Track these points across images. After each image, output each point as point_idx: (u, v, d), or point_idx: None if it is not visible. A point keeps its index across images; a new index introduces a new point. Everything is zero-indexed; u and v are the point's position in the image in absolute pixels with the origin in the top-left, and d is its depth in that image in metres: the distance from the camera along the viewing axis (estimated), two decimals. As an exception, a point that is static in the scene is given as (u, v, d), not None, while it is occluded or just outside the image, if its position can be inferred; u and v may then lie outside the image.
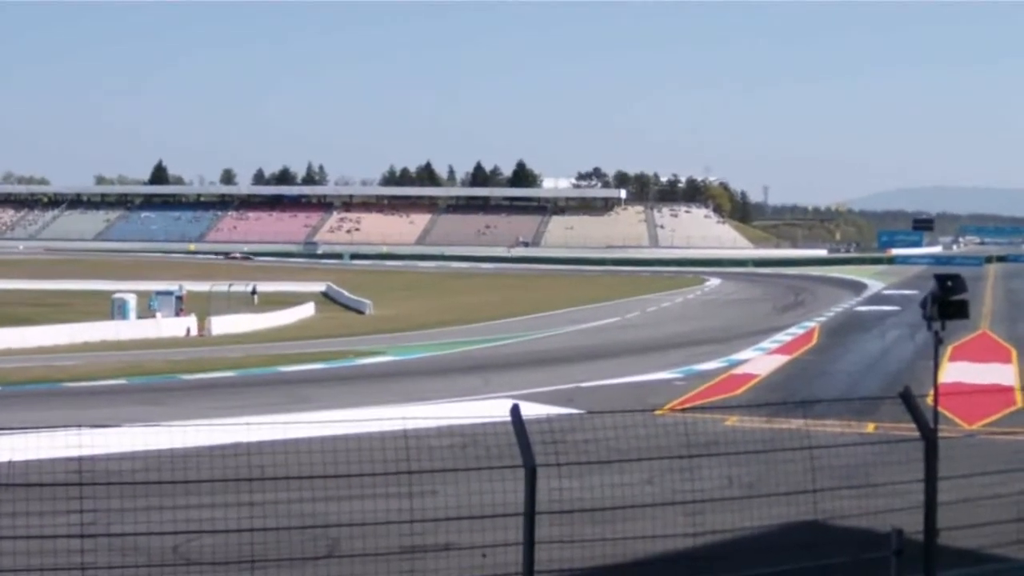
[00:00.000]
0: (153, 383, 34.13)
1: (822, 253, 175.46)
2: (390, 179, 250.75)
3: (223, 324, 58.98)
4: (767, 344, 42.74)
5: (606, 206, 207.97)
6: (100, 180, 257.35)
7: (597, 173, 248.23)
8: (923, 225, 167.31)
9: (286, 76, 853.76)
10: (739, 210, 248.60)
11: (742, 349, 40.48)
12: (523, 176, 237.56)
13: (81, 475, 9.81)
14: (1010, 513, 12.04)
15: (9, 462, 11.42)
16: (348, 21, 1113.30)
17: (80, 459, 10.15)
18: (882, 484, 12.74)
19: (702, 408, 24.57)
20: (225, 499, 11.22)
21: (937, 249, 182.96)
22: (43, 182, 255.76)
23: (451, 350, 44.75)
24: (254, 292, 77.85)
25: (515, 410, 9.32)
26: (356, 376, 35.88)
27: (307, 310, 73.00)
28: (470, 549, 10.64)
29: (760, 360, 36.96)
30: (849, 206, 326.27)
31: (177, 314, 62.64)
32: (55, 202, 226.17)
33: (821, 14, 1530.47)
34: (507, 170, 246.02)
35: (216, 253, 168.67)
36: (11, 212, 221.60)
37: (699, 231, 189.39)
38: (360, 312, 75.16)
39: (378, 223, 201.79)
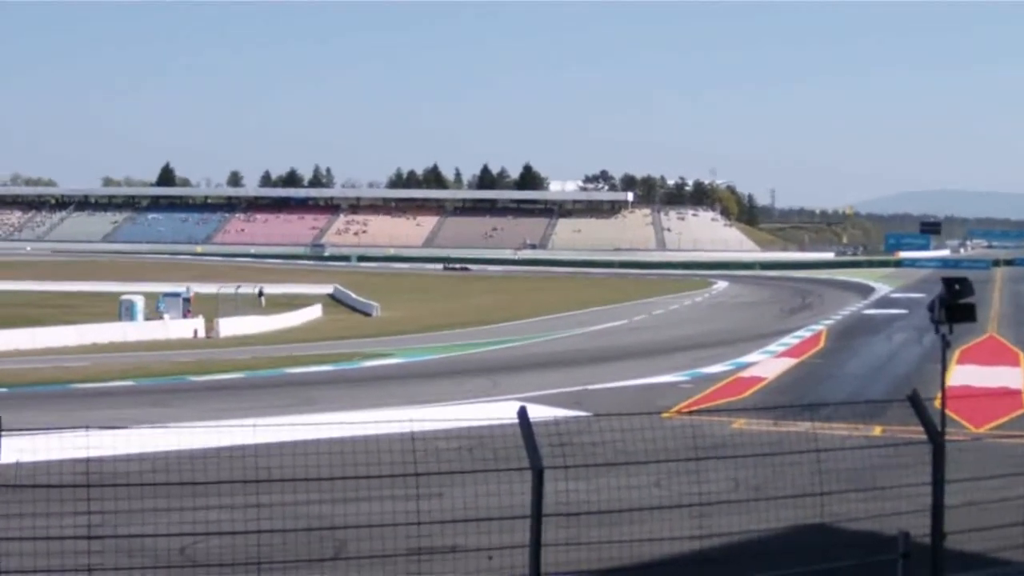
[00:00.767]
0: (161, 385, 34.16)
1: (829, 256, 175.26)
2: (397, 181, 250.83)
3: (231, 326, 59.04)
4: (774, 347, 42.69)
5: (613, 209, 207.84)
6: (107, 182, 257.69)
7: (604, 176, 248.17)
8: (930, 228, 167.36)
9: (293, 78, 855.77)
10: (746, 213, 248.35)
11: (749, 352, 40.44)
12: (530, 179, 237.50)
13: (89, 476, 9.83)
14: (1017, 516, 12.00)
15: (17, 463, 11.42)
16: (355, 24, 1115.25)
17: (88, 460, 10.17)
18: (889, 487, 12.72)
19: (709, 411, 24.53)
20: (232, 501, 11.22)
21: (944, 252, 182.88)
22: (50, 184, 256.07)
23: (458, 352, 44.74)
24: (261, 294, 77.96)
25: (522, 412, 9.32)
26: (363, 378, 35.87)
27: (314, 312, 73.08)
28: (476, 551, 10.65)
29: (767, 363, 36.92)
30: (856, 209, 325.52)
31: (185, 316, 62.73)
32: (62, 204, 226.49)
33: (829, 17, 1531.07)
34: (514, 173, 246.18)
35: (439, 260, 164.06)
36: (19, 214, 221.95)
37: (706, 234, 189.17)
38: (367, 314, 75.19)
39: (385, 225, 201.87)
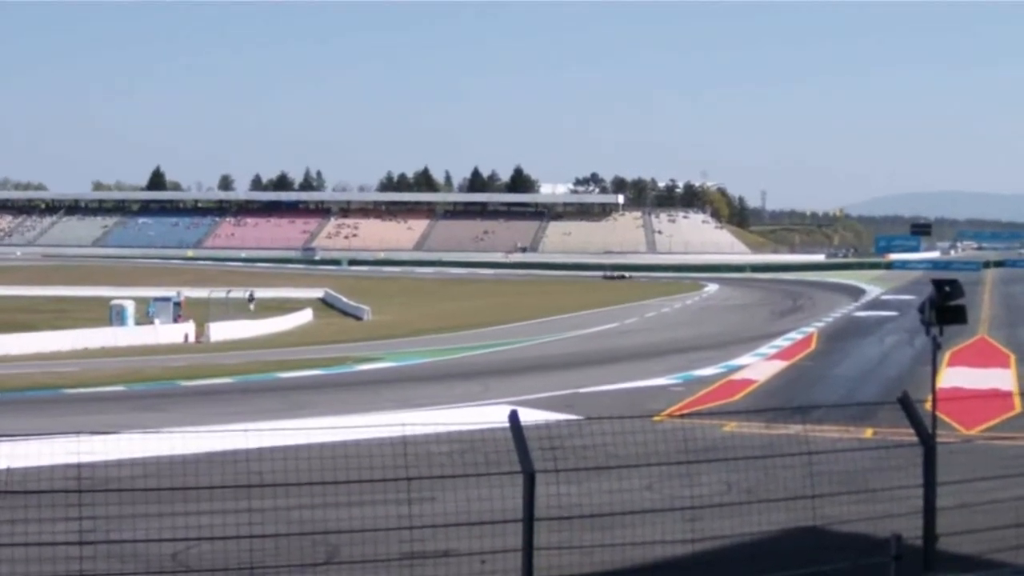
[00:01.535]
0: (152, 389, 34.12)
1: (820, 258, 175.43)
2: (388, 185, 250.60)
3: (221, 330, 58.99)
4: (765, 349, 42.73)
5: (604, 212, 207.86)
6: (98, 186, 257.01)
7: (595, 178, 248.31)
8: (921, 230, 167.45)
9: (284, 82, 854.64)
10: (737, 215, 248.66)
11: (740, 355, 40.48)
12: (521, 181, 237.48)
13: (80, 482, 9.81)
14: (1009, 518, 12.04)
15: (8, 469, 11.42)
16: (346, 26, 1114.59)
17: (79, 466, 10.16)
18: (881, 489, 12.75)
19: (700, 414, 24.54)
20: (224, 506, 11.22)
21: (935, 254, 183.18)
22: (40, 188, 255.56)
23: (449, 356, 44.74)
24: (251, 298, 77.90)
25: (513, 416, 9.33)
26: (354, 382, 35.85)
27: (305, 316, 73.04)
28: (469, 555, 10.65)
29: (758, 365, 36.96)
30: (847, 211, 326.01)
31: (175, 320, 62.68)
32: (53, 208, 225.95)
33: (820, 19, 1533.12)
34: (505, 175, 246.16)
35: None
36: (8, 218, 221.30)
37: (697, 236, 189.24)
38: (358, 318, 75.20)
39: (376, 229, 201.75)
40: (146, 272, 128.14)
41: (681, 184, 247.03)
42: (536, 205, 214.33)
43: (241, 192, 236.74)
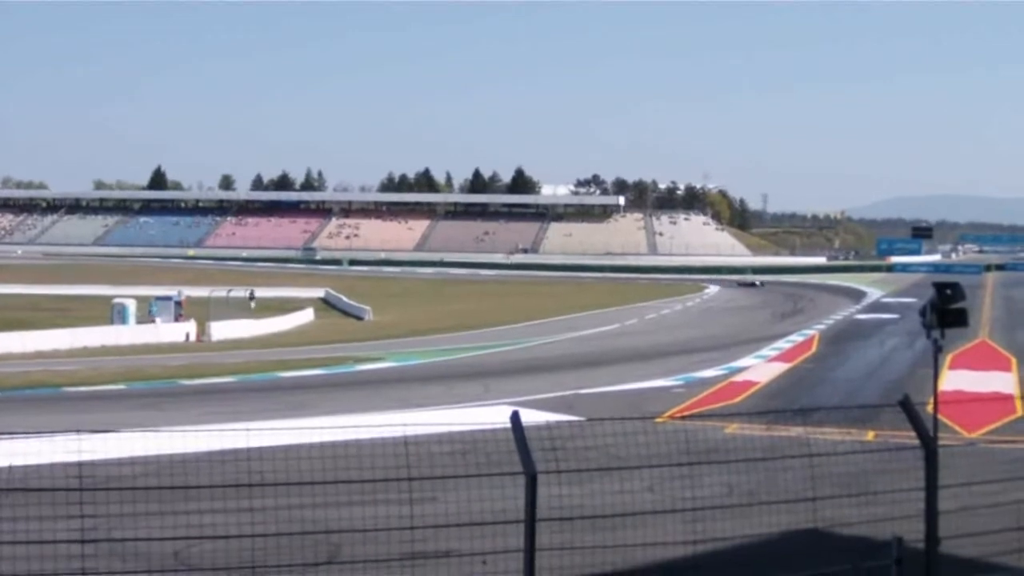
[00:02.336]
0: (153, 388, 34.14)
1: (821, 261, 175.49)
2: (389, 185, 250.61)
3: (222, 329, 59.00)
4: (767, 352, 42.75)
5: (605, 213, 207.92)
6: (99, 185, 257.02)
7: (596, 180, 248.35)
8: (922, 233, 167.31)
9: (285, 82, 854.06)
10: (738, 218, 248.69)
11: (742, 357, 40.49)
12: (522, 183, 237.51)
13: (81, 480, 9.80)
14: (1010, 521, 12.02)
15: (9, 467, 11.42)
16: (347, 27, 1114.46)
17: (80, 464, 10.15)
18: (882, 492, 12.73)
19: (702, 416, 24.55)
20: (225, 505, 11.21)
21: (936, 257, 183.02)
22: (42, 187, 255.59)
23: (450, 356, 44.75)
24: (252, 297, 77.81)
25: (515, 417, 9.32)
26: (356, 382, 35.87)
27: (306, 316, 73.02)
28: (470, 556, 10.64)
29: (760, 368, 36.97)
30: (848, 214, 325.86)
31: (176, 319, 62.68)
32: (54, 207, 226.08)
33: (822, 22, 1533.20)
34: (506, 177, 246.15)
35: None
36: (10, 217, 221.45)
37: (698, 238, 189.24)
38: (359, 318, 75.18)
39: (377, 229, 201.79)
40: (147, 271, 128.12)
41: (682, 186, 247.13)
42: (537, 206, 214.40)
43: (242, 192, 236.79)
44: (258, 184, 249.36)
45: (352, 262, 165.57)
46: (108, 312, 61.98)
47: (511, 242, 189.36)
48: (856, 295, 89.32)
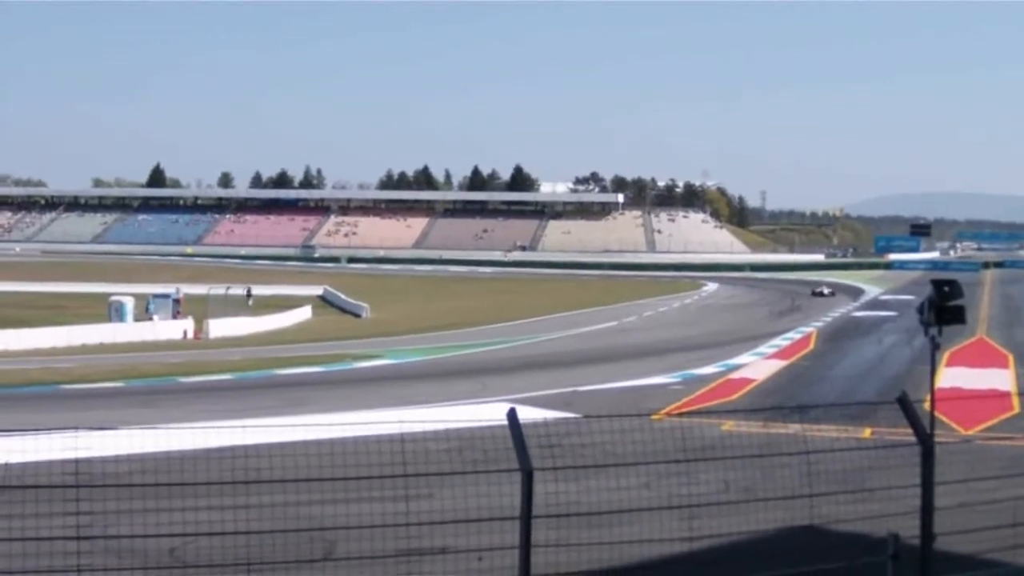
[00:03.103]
0: (150, 386, 34.12)
1: (819, 258, 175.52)
2: (387, 183, 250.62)
3: (220, 327, 58.95)
4: (764, 349, 42.77)
5: (604, 211, 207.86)
6: (97, 183, 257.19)
7: (595, 177, 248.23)
8: (920, 230, 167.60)
9: (284, 80, 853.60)
10: (736, 215, 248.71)
11: (739, 354, 40.50)
12: (520, 180, 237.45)
13: (78, 477, 9.82)
14: (1006, 518, 12.04)
15: (6, 464, 11.41)
16: (346, 25, 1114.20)
17: (77, 461, 10.16)
18: (879, 489, 12.74)
19: (699, 412, 24.55)
20: (222, 502, 11.21)
21: (934, 254, 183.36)
22: (40, 184, 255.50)
23: (448, 354, 44.75)
24: (249, 294, 77.77)
25: (512, 414, 9.32)
26: (353, 379, 35.87)
27: (304, 313, 72.99)
28: (466, 552, 10.65)
29: (757, 365, 36.99)
30: (846, 211, 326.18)
31: (174, 317, 62.64)
32: (52, 205, 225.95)
33: (821, 20, 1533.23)
34: (505, 174, 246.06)
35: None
36: (8, 214, 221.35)
37: (696, 236, 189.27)
38: (357, 315, 75.13)
39: (375, 227, 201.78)
40: (145, 269, 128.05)
41: (681, 184, 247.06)
42: (536, 204, 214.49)
43: (241, 190, 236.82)
44: (257, 182, 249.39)
45: (351, 260, 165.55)
46: (106, 310, 61.89)
47: (510, 240, 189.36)
48: (854, 292, 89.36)
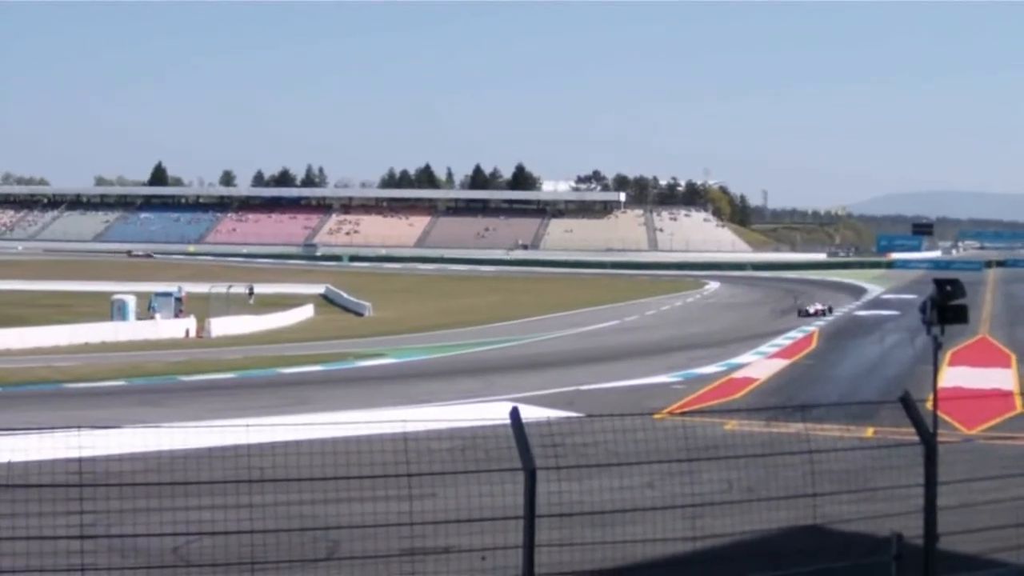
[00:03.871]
0: (153, 384, 34.13)
1: (821, 257, 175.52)
2: (389, 181, 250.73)
3: (222, 325, 58.99)
4: (766, 348, 42.75)
5: (605, 209, 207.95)
6: (100, 181, 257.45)
7: (596, 176, 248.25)
8: (922, 229, 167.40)
9: (286, 78, 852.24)
10: (738, 214, 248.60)
11: (741, 353, 40.49)
12: (522, 179, 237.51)
13: (81, 476, 9.80)
14: (1009, 518, 12.02)
15: (9, 463, 11.43)
16: (348, 24, 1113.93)
17: (80, 460, 10.15)
18: (882, 488, 12.73)
19: (702, 412, 24.54)
20: (225, 501, 11.20)
21: (936, 254, 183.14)
22: (42, 183, 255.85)
23: (450, 352, 44.75)
24: (251, 293, 77.79)
25: (514, 413, 9.31)
26: (356, 378, 35.87)
27: (306, 312, 73.04)
28: (470, 552, 10.65)
29: (760, 364, 36.97)
30: (848, 210, 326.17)
31: (176, 315, 62.69)
32: (54, 203, 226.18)
33: (822, 20, 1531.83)
34: (506, 173, 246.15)
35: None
36: (11, 213, 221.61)
37: (698, 235, 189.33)
38: (359, 314, 75.19)
39: (377, 225, 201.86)
40: (147, 267, 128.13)
41: (683, 182, 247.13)
42: (538, 202, 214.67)
43: (243, 188, 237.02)
44: (259, 180, 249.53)
45: (353, 258, 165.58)
46: (108, 308, 61.96)
47: (511, 238, 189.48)
48: (856, 291, 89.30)
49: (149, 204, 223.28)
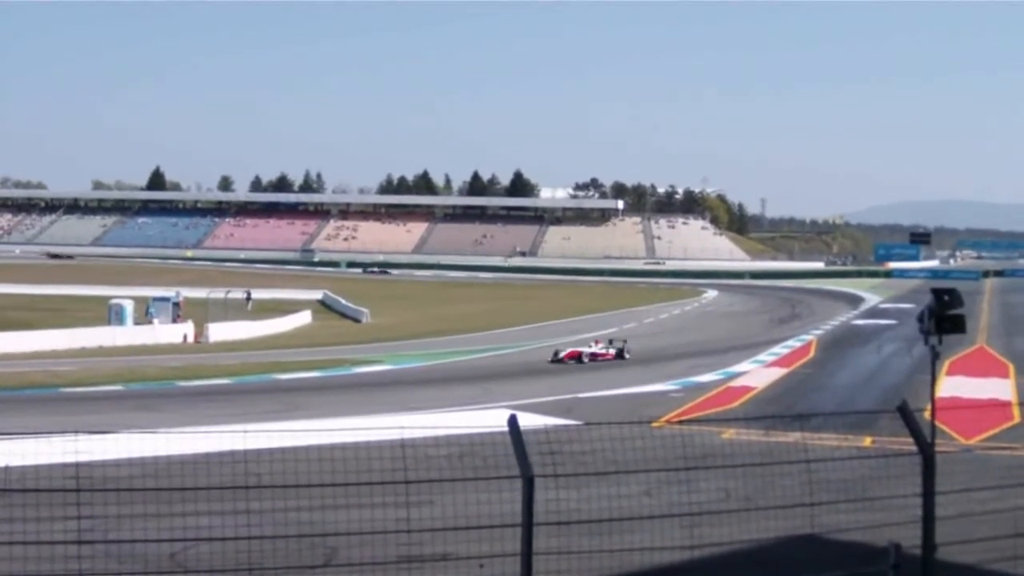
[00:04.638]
0: (150, 389, 34.12)
1: (819, 266, 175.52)
2: (387, 187, 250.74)
3: (220, 331, 58.95)
4: (764, 357, 42.71)
5: (603, 217, 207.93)
6: (97, 185, 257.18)
7: (594, 183, 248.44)
8: (920, 239, 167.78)
9: (284, 83, 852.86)
10: (736, 222, 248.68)
11: (739, 361, 40.45)
12: (520, 186, 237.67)
13: (79, 481, 9.81)
14: (1007, 528, 12.03)
15: (6, 467, 11.42)
16: (347, 28, 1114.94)
17: (77, 465, 10.16)
18: (879, 498, 12.75)
19: (699, 420, 24.56)
20: (222, 507, 11.21)
21: (934, 263, 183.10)
22: (40, 187, 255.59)
23: (448, 359, 44.74)
24: (248, 298, 77.71)
25: (512, 420, 9.32)
26: (353, 384, 35.86)
27: (304, 317, 72.97)
28: (468, 559, 10.63)
29: (757, 373, 36.95)
30: (846, 219, 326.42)
31: (174, 320, 62.61)
32: (52, 207, 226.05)
33: (820, 24, 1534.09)
34: (504, 179, 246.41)
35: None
36: (8, 217, 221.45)
37: (696, 243, 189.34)
38: (357, 320, 75.14)
39: (375, 231, 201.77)
40: (145, 272, 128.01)
41: (681, 190, 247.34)
42: (535, 210, 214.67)
43: (241, 193, 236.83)
44: (257, 185, 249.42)
45: (350, 264, 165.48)
46: (106, 313, 61.89)
47: (509, 245, 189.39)
48: (854, 300, 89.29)
49: (147, 209, 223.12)
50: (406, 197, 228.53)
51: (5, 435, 14.11)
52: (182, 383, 35.73)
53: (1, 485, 10.70)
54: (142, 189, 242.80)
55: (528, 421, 12.27)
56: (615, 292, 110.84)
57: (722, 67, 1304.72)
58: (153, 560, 11.96)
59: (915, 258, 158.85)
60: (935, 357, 12.32)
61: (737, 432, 21.63)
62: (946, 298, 12.08)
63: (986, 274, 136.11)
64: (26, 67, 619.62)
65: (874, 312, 74.50)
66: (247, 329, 62.15)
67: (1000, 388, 32.59)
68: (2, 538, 9.66)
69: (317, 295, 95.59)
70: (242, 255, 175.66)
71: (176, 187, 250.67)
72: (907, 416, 10.50)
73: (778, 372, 37.09)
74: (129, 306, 62.24)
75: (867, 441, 20.97)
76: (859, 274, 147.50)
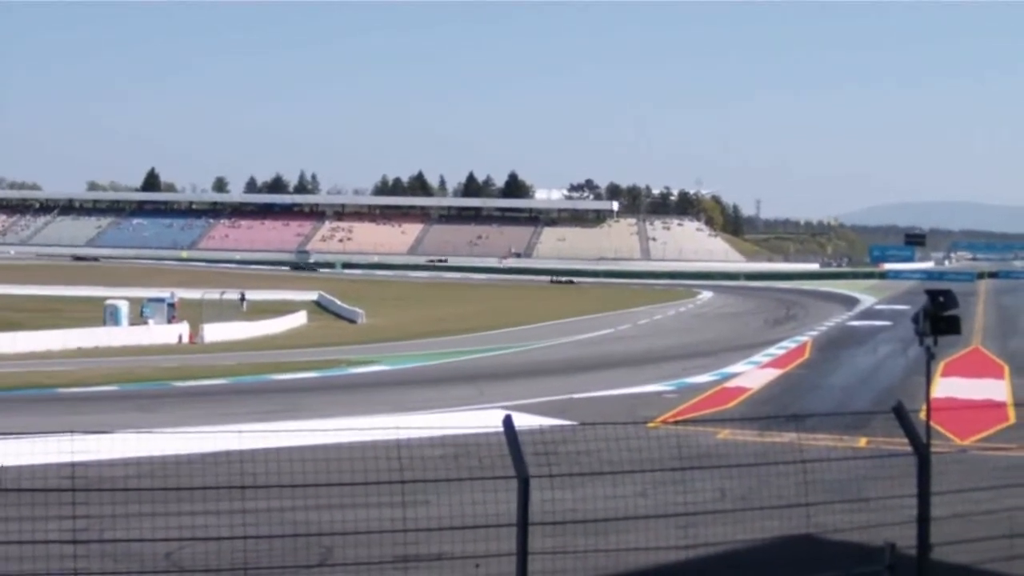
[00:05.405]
0: (145, 390, 34.09)
1: (814, 267, 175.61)
2: (382, 189, 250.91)
3: (215, 331, 58.90)
4: (759, 357, 42.71)
5: (598, 218, 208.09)
6: (92, 186, 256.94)
7: (589, 185, 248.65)
8: (915, 240, 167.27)
9: (279, 84, 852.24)
10: (731, 223, 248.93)
11: (734, 362, 40.44)
12: (515, 187, 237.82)
13: (73, 481, 9.79)
14: (1002, 529, 12.05)
15: (2, 467, 11.39)
16: (341, 30, 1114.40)
17: (72, 465, 10.14)
18: (875, 498, 12.75)
19: (694, 421, 24.55)
20: (218, 506, 11.21)
21: (929, 264, 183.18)
22: (35, 188, 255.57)
23: (444, 360, 44.72)
24: (242, 299, 77.66)
25: (508, 421, 9.32)
26: (348, 385, 35.84)
27: (299, 318, 72.90)
28: (463, 559, 10.64)
29: (752, 373, 36.93)
30: (841, 220, 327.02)
31: (169, 321, 62.57)
32: (47, 208, 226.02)
33: (813, 27, 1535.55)
34: (499, 181, 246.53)
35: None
36: (3, 217, 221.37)
37: (691, 244, 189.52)
38: (352, 321, 75.07)
39: (370, 232, 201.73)
40: (140, 272, 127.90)
41: (676, 191, 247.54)
42: (530, 211, 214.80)
43: (236, 194, 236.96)
44: (252, 186, 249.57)
45: (345, 265, 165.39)
46: (101, 313, 61.86)
47: (504, 246, 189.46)
48: (849, 302, 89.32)
49: (142, 210, 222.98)
50: (401, 198, 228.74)
51: (1, 435, 14.09)
52: (177, 383, 35.70)
53: (-4, 485, 10.68)
54: (137, 190, 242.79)
55: (523, 421, 12.28)
56: (610, 293, 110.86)
57: (717, 69, 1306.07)
58: (148, 560, 11.95)
59: (910, 260, 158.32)
60: (930, 358, 12.34)
61: (732, 433, 21.63)
62: (941, 299, 12.11)
63: (981, 276, 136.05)
64: (21, 68, 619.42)
65: (869, 313, 74.52)
66: (242, 330, 62.11)
67: (995, 389, 32.60)
68: (-3, 537, 9.66)
69: (312, 296, 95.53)
70: (237, 256, 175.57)
71: (171, 188, 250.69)
72: (902, 417, 10.51)
73: (773, 373, 37.07)
74: (124, 307, 62.21)
75: (862, 442, 20.98)
76: (854, 275, 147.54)
